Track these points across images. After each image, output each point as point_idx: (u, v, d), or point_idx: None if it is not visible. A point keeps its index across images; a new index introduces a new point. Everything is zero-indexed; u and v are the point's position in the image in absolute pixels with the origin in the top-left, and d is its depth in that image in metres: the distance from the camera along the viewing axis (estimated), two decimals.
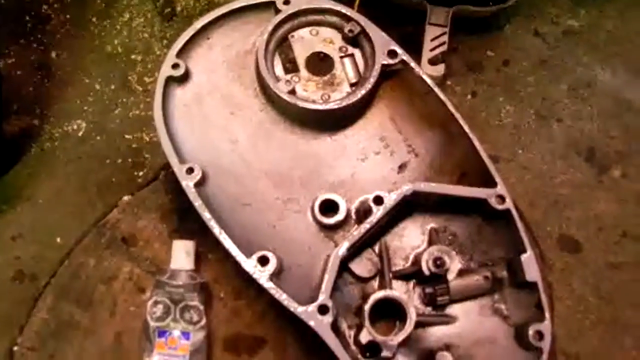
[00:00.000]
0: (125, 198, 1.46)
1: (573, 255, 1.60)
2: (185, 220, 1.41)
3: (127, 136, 1.67)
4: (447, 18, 1.71)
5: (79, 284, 1.39)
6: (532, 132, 1.72)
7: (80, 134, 1.67)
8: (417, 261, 1.26)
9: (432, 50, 1.68)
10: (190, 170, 1.23)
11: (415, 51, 1.63)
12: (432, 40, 1.69)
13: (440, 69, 1.65)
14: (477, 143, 1.26)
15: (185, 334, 1.29)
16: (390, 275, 1.27)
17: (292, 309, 1.16)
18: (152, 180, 1.47)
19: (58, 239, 1.52)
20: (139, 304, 1.37)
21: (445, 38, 1.69)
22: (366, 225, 1.22)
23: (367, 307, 1.19)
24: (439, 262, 1.23)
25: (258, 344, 1.35)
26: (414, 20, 1.72)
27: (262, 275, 1.17)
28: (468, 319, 1.25)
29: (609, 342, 1.52)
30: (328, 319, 1.15)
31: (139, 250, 1.40)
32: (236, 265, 1.23)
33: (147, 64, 1.78)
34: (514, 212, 1.22)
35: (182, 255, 1.33)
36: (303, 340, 1.34)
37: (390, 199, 1.23)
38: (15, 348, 1.37)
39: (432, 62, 1.65)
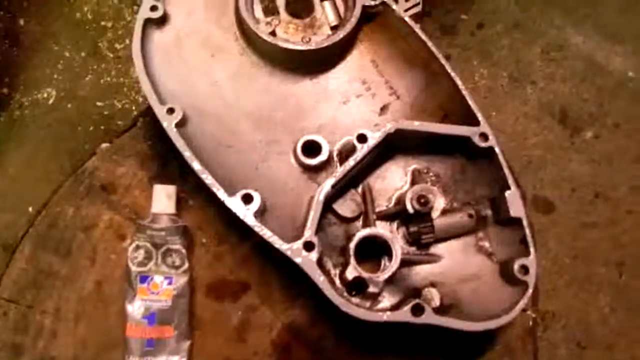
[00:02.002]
0: (103, 145, 1.43)
1: (547, 215, 1.62)
2: (165, 166, 1.39)
3: (98, 103, 1.66)
4: None
5: (58, 232, 1.36)
6: (506, 95, 1.74)
7: (50, 102, 1.66)
8: (400, 201, 1.25)
9: (406, 10, 1.67)
10: (170, 111, 1.22)
11: None
12: (407, 0, 1.68)
13: None
14: (459, 82, 1.27)
15: (168, 279, 1.28)
16: (374, 215, 1.26)
17: (277, 246, 1.15)
18: (130, 127, 1.43)
19: (30, 208, 1.50)
20: (119, 251, 1.34)
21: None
22: (350, 162, 1.22)
23: (352, 244, 1.18)
24: (422, 200, 1.22)
25: (242, 288, 1.33)
26: None
27: (246, 214, 1.16)
28: (453, 258, 1.25)
29: (584, 300, 1.55)
30: (314, 255, 1.15)
31: (119, 197, 1.37)
32: (219, 209, 1.23)
33: (118, 30, 1.76)
34: (497, 149, 1.22)
35: (163, 198, 1.31)
36: (287, 283, 1.33)
37: (374, 137, 1.22)
38: None
39: None
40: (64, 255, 1.35)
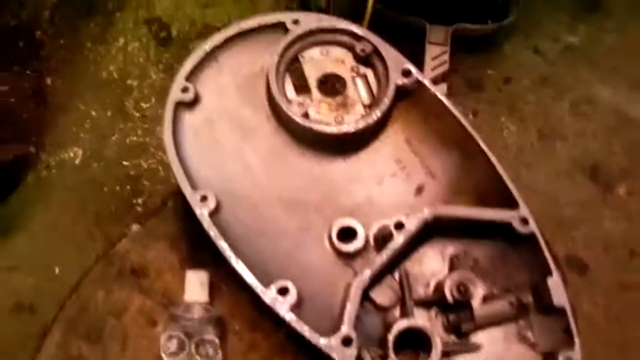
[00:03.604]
0: (134, 227, 1.41)
1: (581, 276, 1.57)
2: (196, 249, 1.37)
3: (124, 163, 1.64)
4: (446, 37, 1.69)
5: (88, 317, 1.35)
6: (535, 152, 1.71)
7: (77, 161, 1.64)
8: (439, 288, 1.23)
9: (433, 69, 1.66)
10: (204, 198, 1.20)
11: None
12: (433, 59, 1.67)
13: (442, 89, 1.62)
14: (495, 162, 1.24)
15: None
16: (412, 303, 1.23)
17: (314, 342, 1.12)
18: (160, 208, 1.41)
19: (56, 270, 1.48)
20: (151, 337, 1.32)
21: (446, 57, 1.68)
22: (388, 252, 1.19)
23: (391, 337, 1.16)
24: (462, 288, 1.20)
25: None
26: (412, 38, 1.69)
27: (282, 307, 1.13)
28: (493, 347, 1.22)
29: None
30: (352, 351, 1.12)
31: (150, 281, 1.36)
32: (252, 296, 1.20)
33: (144, 89, 1.74)
34: (538, 234, 1.19)
35: (196, 286, 1.30)
36: None
37: (412, 225, 1.20)
38: None
39: (434, 81, 1.62)
40: (94, 340, 1.34)
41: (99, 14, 1.84)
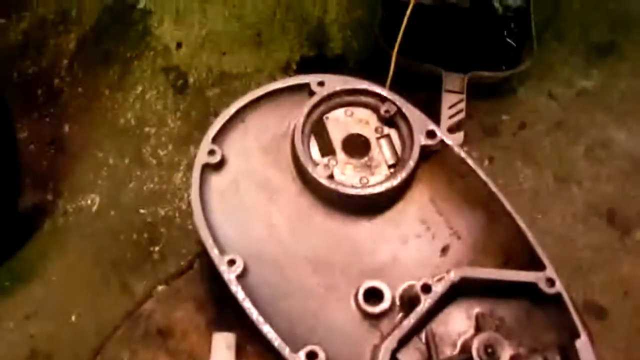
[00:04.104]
0: (160, 288, 1.42)
1: (600, 321, 1.56)
2: (222, 310, 1.37)
3: (141, 211, 1.64)
4: (463, 84, 1.70)
5: None
6: (551, 196, 1.71)
7: (94, 209, 1.64)
8: (465, 348, 1.22)
9: (450, 117, 1.66)
10: (231, 262, 1.20)
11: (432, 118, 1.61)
12: (450, 107, 1.68)
13: (459, 137, 1.64)
14: (521, 223, 1.25)
15: None
16: None
17: None
18: (187, 270, 1.42)
19: (72, 317, 1.48)
20: None
21: (462, 105, 1.68)
22: (415, 315, 1.20)
23: None
24: (489, 350, 1.19)
25: None
26: (427, 86, 1.71)
27: None
28: None
29: None
30: None
31: (176, 342, 1.35)
32: (278, 357, 1.20)
33: (161, 136, 1.75)
34: (565, 296, 1.19)
35: (222, 349, 1.30)
36: None
37: (439, 287, 1.20)
38: None
39: (450, 130, 1.63)
40: None
41: (117, 62, 1.87)
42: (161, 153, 1.73)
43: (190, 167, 1.57)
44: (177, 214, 1.64)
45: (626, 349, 1.54)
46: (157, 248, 1.59)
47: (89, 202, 1.66)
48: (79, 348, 1.41)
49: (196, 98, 1.82)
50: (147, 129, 1.77)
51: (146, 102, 1.82)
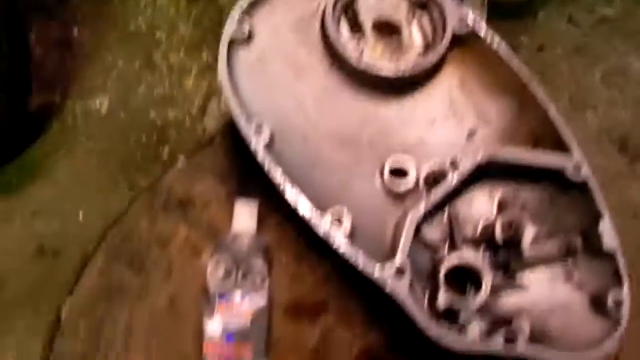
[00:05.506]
0: (181, 161, 1.41)
1: None
2: (244, 183, 1.36)
3: (151, 114, 1.65)
4: (482, 3, 1.67)
5: (132, 246, 1.34)
6: (566, 119, 1.69)
7: (102, 110, 1.65)
8: (487, 228, 1.23)
9: None
10: (258, 128, 1.20)
11: None
12: None
13: None
14: (553, 110, 1.24)
15: (248, 297, 1.25)
16: (461, 241, 1.23)
17: (367, 272, 1.12)
18: (209, 144, 1.41)
19: (80, 216, 1.49)
20: (195, 267, 1.32)
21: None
22: (442, 189, 1.20)
23: (442, 272, 1.16)
24: (511, 229, 1.20)
25: (320, 309, 1.31)
26: None
27: (337, 234, 1.13)
28: (540, 287, 1.23)
29: None
30: (405, 281, 1.12)
31: (197, 213, 1.35)
32: (299, 227, 1.20)
33: (172, 42, 1.75)
34: (591, 182, 1.19)
35: (245, 215, 1.30)
36: (366, 305, 1.31)
37: (466, 165, 1.20)
38: (63, 314, 1.31)
39: None
40: (137, 269, 1.33)
41: None
42: (172, 58, 1.73)
43: (202, 72, 1.61)
44: (187, 118, 1.65)
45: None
46: (166, 149, 1.59)
47: (97, 103, 1.66)
48: (87, 246, 1.40)
49: (209, 4, 1.80)
50: (158, 34, 1.77)
51: (157, 8, 1.81)
